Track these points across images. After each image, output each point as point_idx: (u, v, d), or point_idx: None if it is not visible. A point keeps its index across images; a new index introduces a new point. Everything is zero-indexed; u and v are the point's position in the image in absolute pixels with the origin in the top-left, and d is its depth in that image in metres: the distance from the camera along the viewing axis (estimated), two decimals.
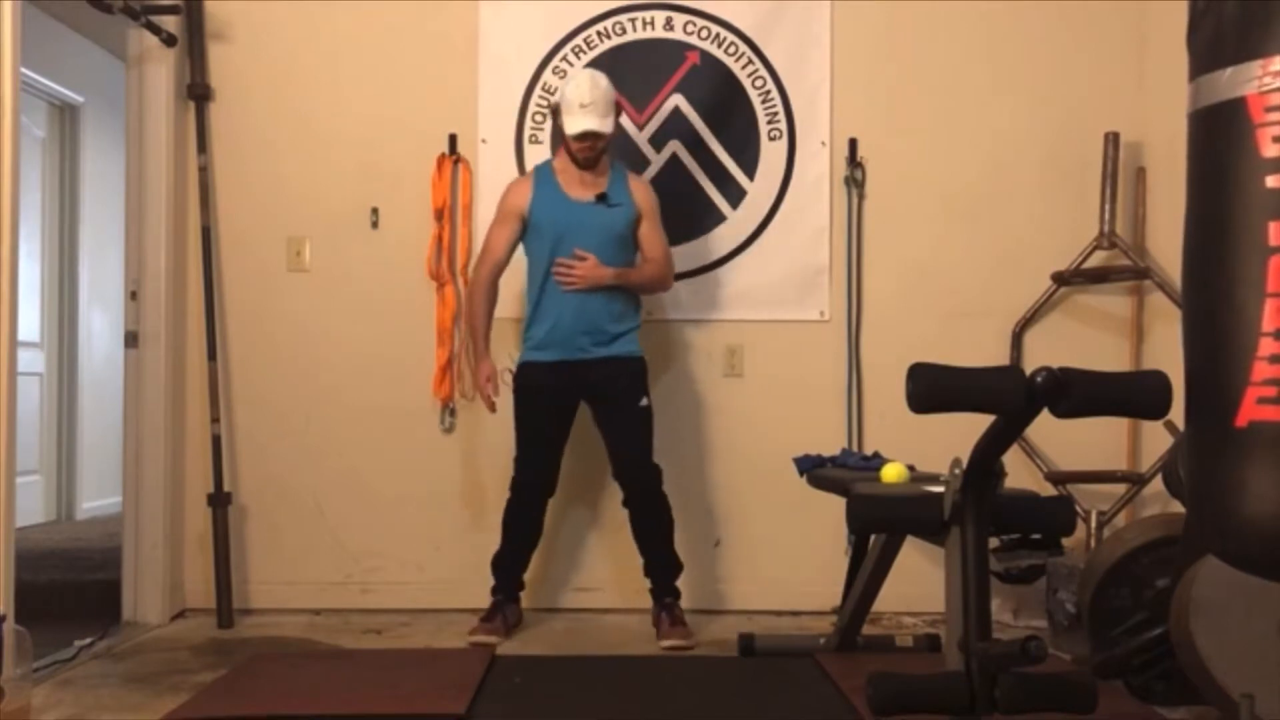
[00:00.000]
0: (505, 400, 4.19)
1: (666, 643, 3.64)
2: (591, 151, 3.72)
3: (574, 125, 3.66)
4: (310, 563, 4.17)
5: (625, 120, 4.14)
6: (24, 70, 3.26)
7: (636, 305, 3.87)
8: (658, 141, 4.23)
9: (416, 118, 4.21)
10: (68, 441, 5.98)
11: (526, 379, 3.79)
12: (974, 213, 4.24)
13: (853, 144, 4.24)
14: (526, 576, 3.89)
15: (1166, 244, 4.01)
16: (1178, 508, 3.43)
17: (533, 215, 3.74)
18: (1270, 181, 1.92)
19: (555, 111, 3.78)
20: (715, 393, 4.24)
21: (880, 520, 2.69)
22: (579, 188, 3.76)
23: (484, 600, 3.81)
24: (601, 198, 3.75)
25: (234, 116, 4.19)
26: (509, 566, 3.82)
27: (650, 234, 3.85)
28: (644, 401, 3.79)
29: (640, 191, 3.86)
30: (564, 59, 4.22)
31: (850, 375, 4.22)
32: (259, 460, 4.18)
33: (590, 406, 3.82)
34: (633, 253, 3.85)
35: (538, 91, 4.22)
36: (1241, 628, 2.45)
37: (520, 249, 3.84)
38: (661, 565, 3.81)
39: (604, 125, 3.68)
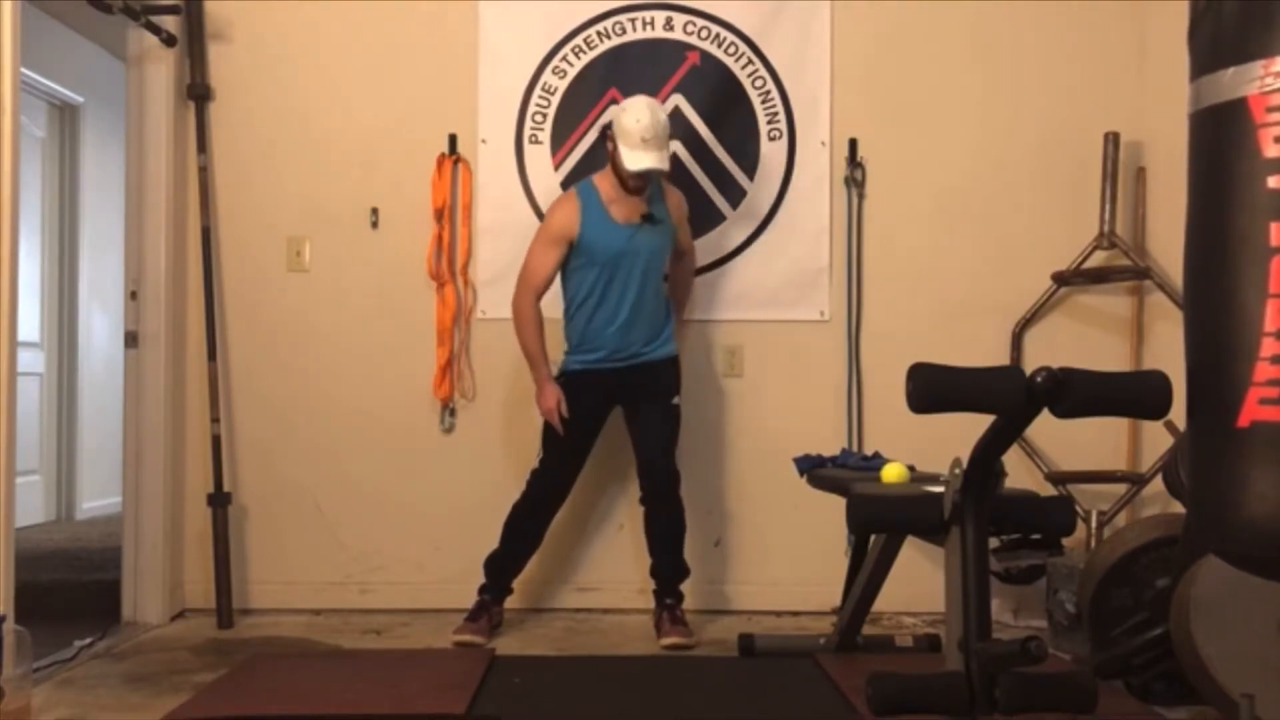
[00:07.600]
0: (506, 401, 4.19)
1: (667, 642, 3.64)
2: (646, 183, 3.72)
3: (636, 162, 3.61)
4: (310, 563, 4.17)
5: None
6: (24, 70, 3.26)
7: (669, 306, 3.92)
8: None
9: (416, 118, 4.21)
10: (68, 441, 5.98)
11: (573, 388, 3.75)
12: (974, 213, 4.24)
13: (853, 144, 4.23)
14: (523, 577, 3.89)
15: (1166, 244, 4.01)
16: (1178, 508, 3.44)
17: (583, 241, 3.70)
18: (1272, 182, 1.92)
19: (607, 135, 3.75)
20: (715, 393, 4.24)
21: (880, 520, 2.69)
22: (625, 210, 3.73)
23: None
24: (646, 218, 3.75)
25: (234, 116, 4.19)
26: (505, 569, 3.81)
27: (685, 238, 3.99)
28: (676, 400, 3.83)
29: (674, 199, 3.89)
30: (564, 59, 4.22)
31: (850, 375, 4.22)
32: (259, 460, 4.18)
33: (624, 406, 3.81)
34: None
35: (538, 91, 4.22)
36: (1241, 628, 2.46)
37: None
38: (669, 568, 3.81)
39: (665, 161, 3.68)
